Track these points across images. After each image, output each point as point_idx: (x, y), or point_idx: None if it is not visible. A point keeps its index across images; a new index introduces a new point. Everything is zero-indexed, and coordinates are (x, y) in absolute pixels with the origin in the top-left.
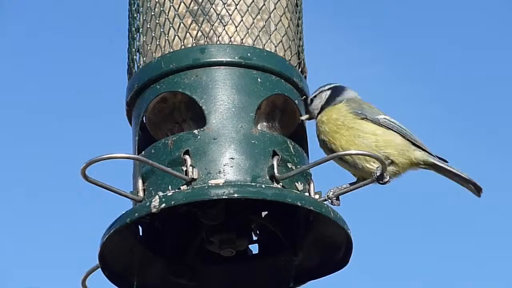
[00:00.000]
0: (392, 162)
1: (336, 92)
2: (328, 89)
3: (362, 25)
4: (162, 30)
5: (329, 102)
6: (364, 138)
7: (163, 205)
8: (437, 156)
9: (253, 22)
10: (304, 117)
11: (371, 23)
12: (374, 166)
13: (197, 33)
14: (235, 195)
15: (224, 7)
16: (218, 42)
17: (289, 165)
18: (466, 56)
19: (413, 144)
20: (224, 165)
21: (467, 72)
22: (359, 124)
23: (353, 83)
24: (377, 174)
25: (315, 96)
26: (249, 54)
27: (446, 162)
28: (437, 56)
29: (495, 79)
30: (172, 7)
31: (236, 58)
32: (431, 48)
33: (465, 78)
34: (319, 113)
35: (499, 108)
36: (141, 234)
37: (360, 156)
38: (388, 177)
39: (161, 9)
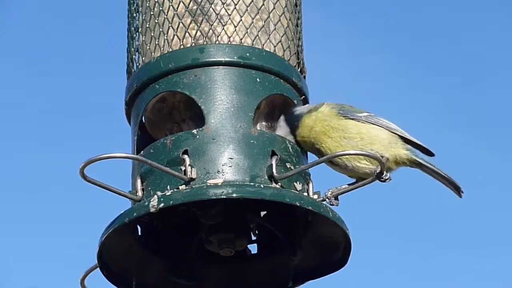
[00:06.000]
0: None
1: (288, 112)
2: (277, 121)
3: (359, 16)
4: (161, 29)
5: (294, 118)
6: (350, 139)
7: (162, 204)
8: (424, 148)
9: (252, 22)
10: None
11: (369, 14)
12: (365, 164)
13: (196, 32)
14: (234, 195)
15: (223, 7)
16: (217, 42)
17: (288, 165)
18: (465, 49)
19: (401, 138)
20: (222, 165)
21: (467, 64)
22: (343, 124)
23: (351, 74)
24: (377, 171)
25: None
26: (248, 54)
27: (433, 155)
28: (435, 48)
29: (495, 73)
30: (171, 6)
31: (235, 58)
32: (430, 39)
33: (464, 70)
34: (294, 131)
35: (498, 101)
36: (140, 233)
37: (348, 156)
38: (388, 175)
39: (160, 8)
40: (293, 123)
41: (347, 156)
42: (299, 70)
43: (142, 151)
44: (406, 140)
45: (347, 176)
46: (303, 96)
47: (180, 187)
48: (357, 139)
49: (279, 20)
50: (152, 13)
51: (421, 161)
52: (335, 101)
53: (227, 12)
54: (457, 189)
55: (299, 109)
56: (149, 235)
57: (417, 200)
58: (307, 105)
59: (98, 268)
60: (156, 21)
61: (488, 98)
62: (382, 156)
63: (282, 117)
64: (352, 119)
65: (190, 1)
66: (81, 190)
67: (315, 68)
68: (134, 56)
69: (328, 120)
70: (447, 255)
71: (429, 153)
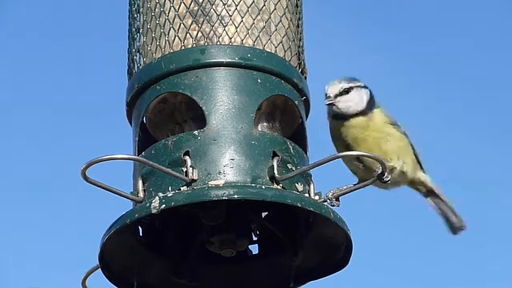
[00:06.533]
0: (403, 172)
1: (373, 97)
2: (364, 87)
3: (359, 16)
4: (162, 30)
5: (370, 107)
6: (392, 143)
7: (163, 206)
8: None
9: (253, 23)
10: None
11: (369, 13)
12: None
13: (197, 33)
14: (235, 196)
15: (224, 7)
16: (218, 43)
17: (289, 166)
18: (465, 47)
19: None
20: (224, 166)
21: (466, 63)
22: (390, 128)
23: (351, 73)
24: (378, 173)
25: (352, 88)
26: (249, 55)
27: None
28: (435, 47)
29: (495, 71)
30: (172, 7)
31: (236, 58)
32: (430, 39)
33: (464, 69)
34: (358, 114)
35: (499, 99)
36: (141, 234)
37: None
38: (389, 176)
39: (161, 9)
40: (367, 109)
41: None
42: (300, 70)
43: (143, 152)
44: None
45: (356, 176)
46: (304, 97)
47: (182, 188)
48: (396, 145)
49: (280, 20)
50: (153, 13)
51: (434, 188)
52: None
53: (228, 13)
54: (458, 228)
55: (375, 103)
56: (150, 236)
57: (419, 199)
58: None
59: (99, 269)
60: (157, 22)
61: (488, 97)
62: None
63: (368, 92)
64: (396, 127)
65: (191, 2)
66: (82, 191)
67: (315, 68)
68: (135, 57)
69: (380, 128)
70: (447, 255)
71: None
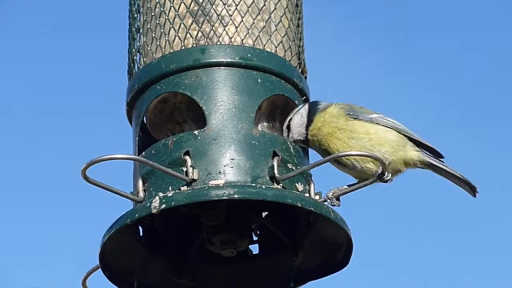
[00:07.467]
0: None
1: (314, 103)
2: (302, 106)
3: (359, 14)
4: (162, 30)
5: (313, 112)
6: (358, 139)
7: (163, 205)
8: (433, 149)
9: (254, 23)
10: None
11: (368, 12)
12: (373, 166)
13: (197, 33)
14: (235, 195)
15: (224, 7)
16: (218, 43)
17: (289, 165)
18: (464, 46)
19: (410, 139)
20: (224, 166)
21: (465, 62)
22: (351, 125)
23: (350, 72)
24: (378, 172)
25: (291, 119)
26: (249, 55)
27: (442, 157)
28: (434, 45)
29: (494, 70)
30: (172, 7)
31: (237, 58)
32: (429, 37)
33: (463, 68)
34: (308, 126)
35: (498, 98)
36: (141, 234)
37: (357, 157)
38: (390, 175)
39: (162, 9)
40: (311, 117)
41: (356, 157)
42: (300, 70)
43: (143, 152)
44: (415, 142)
45: (352, 177)
46: (304, 97)
47: (182, 188)
48: (365, 139)
49: (280, 20)
50: (153, 13)
51: (433, 161)
52: (337, 101)
53: (228, 13)
54: (472, 189)
55: (322, 105)
56: (151, 236)
57: (418, 200)
58: (326, 102)
59: (100, 269)
60: (157, 21)
61: (488, 97)
62: (384, 157)
63: (306, 106)
64: (361, 120)
65: (191, 2)
66: (83, 191)
67: (316, 68)
68: (135, 57)
69: (335, 121)
70: (448, 255)
71: (439, 155)
